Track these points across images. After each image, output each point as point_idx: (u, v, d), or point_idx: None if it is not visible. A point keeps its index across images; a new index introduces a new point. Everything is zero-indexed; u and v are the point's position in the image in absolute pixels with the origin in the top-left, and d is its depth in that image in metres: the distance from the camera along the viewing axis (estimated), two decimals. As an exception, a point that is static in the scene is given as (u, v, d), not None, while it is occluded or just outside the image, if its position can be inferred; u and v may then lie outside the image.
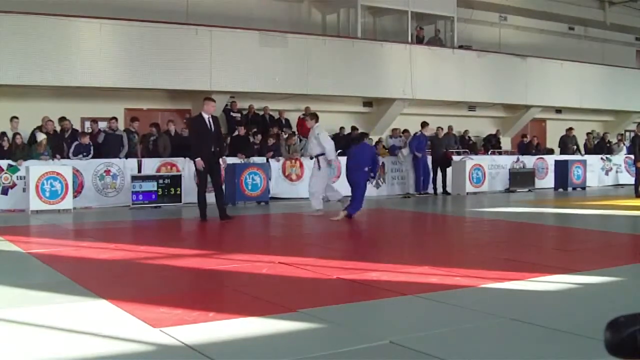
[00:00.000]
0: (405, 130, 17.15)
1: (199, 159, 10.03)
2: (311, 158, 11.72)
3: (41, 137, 12.60)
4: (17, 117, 12.80)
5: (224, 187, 11.43)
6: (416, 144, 15.69)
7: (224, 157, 10.62)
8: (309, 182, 11.73)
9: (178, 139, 14.24)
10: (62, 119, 13.53)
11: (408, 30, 18.34)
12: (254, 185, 13.36)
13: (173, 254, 6.95)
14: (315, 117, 11.36)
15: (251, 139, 14.64)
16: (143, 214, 11.73)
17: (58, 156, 12.60)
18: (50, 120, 13.19)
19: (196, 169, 10.36)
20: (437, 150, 16.27)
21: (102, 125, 13.95)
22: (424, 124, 15.97)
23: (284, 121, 16.42)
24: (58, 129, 13.44)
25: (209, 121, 10.14)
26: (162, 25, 14.50)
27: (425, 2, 18.34)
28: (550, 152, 19.76)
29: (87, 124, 14.56)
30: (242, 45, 15.39)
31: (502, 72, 19.28)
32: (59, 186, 11.76)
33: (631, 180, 19.76)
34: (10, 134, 12.62)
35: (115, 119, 13.70)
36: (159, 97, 15.74)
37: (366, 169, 10.77)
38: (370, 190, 15.71)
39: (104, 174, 12.85)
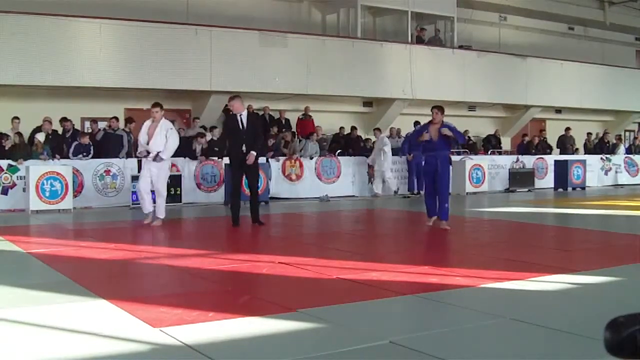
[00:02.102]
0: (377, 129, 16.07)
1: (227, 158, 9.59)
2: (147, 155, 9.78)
3: (39, 137, 12.61)
4: (18, 118, 12.83)
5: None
6: (407, 145, 15.65)
7: (251, 154, 9.36)
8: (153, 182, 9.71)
9: (180, 139, 14.23)
10: (64, 119, 13.53)
11: (408, 30, 18.35)
12: (254, 185, 13.34)
13: (173, 254, 6.95)
14: (162, 108, 9.82)
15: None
16: (143, 214, 11.70)
17: (58, 156, 12.61)
18: (48, 121, 13.19)
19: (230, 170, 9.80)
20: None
21: (102, 125, 13.96)
22: (417, 124, 15.89)
23: (283, 121, 16.42)
24: (59, 129, 13.45)
25: (241, 120, 9.53)
26: (162, 25, 14.51)
27: (425, 2, 18.34)
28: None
29: (87, 124, 14.56)
30: (242, 45, 15.39)
31: (502, 72, 19.29)
32: (59, 186, 11.76)
33: (631, 180, 19.82)
34: (11, 134, 12.63)
35: (116, 118, 13.70)
36: (159, 97, 15.65)
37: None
38: (371, 190, 15.76)
39: (104, 174, 12.85)
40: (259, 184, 13.34)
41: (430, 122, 9.33)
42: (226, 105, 15.84)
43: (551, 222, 10.98)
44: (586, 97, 21.03)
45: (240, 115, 9.56)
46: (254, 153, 9.49)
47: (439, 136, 9.11)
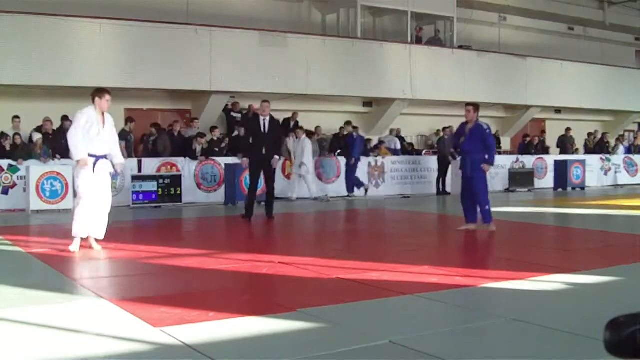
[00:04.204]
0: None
1: (245, 158, 10.23)
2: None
3: (36, 137, 12.60)
4: (18, 117, 12.83)
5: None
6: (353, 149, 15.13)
7: (275, 158, 10.26)
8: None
9: (180, 139, 14.25)
10: (65, 118, 13.51)
11: (408, 30, 18.34)
12: (254, 185, 13.35)
13: (173, 254, 6.95)
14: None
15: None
16: (143, 214, 11.72)
17: (58, 156, 12.60)
18: (49, 121, 13.20)
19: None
20: (443, 151, 16.35)
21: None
22: (349, 124, 15.26)
23: (292, 123, 16.30)
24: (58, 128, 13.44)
25: (263, 123, 10.19)
26: (162, 25, 14.50)
27: (425, 2, 18.34)
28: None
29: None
30: (242, 45, 15.38)
31: (502, 72, 19.28)
32: (59, 186, 11.77)
33: (630, 180, 19.82)
34: (11, 134, 12.64)
35: None
36: (159, 97, 15.74)
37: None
38: (371, 190, 15.77)
39: (104, 174, 12.84)
40: (260, 184, 13.43)
41: (465, 122, 8.82)
42: (227, 105, 15.90)
43: (551, 222, 10.98)
44: (586, 97, 21.01)
45: (264, 118, 10.22)
46: (277, 158, 10.35)
47: (472, 138, 8.59)
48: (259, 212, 11.82)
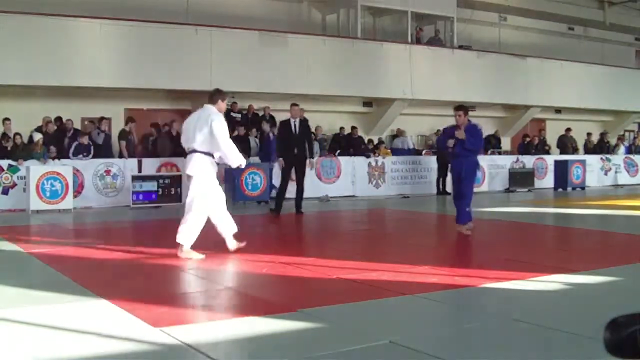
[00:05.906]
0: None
1: (281, 159, 10.97)
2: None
3: (37, 137, 12.61)
4: (9, 119, 12.82)
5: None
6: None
7: (312, 159, 11.11)
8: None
9: (179, 139, 14.25)
10: (58, 119, 13.52)
11: (408, 31, 18.35)
12: (254, 185, 13.38)
13: (173, 254, 6.94)
14: None
15: (251, 139, 14.73)
16: (143, 214, 11.72)
17: (57, 149, 12.61)
18: (49, 121, 13.21)
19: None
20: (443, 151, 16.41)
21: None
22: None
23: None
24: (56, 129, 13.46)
25: (294, 125, 10.88)
26: (162, 25, 14.50)
27: (425, 2, 18.34)
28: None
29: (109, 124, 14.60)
30: (242, 45, 15.38)
31: (502, 72, 19.27)
32: (59, 186, 11.77)
33: (630, 180, 19.82)
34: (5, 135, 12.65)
35: (105, 119, 13.67)
36: (159, 97, 15.74)
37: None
38: (371, 190, 15.77)
39: (104, 174, 12.86)
40: (260, 184, 13.44)
41: (455, 126, 8.51)
42: (228, 106, 15.88)
43: (551, 222, 10.99)
44: (586, 97, 21.01)
45: (294, 120, 10.88)
46: (312, 160, 11.15)
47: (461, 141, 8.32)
48: (258, 211, 11.84)
